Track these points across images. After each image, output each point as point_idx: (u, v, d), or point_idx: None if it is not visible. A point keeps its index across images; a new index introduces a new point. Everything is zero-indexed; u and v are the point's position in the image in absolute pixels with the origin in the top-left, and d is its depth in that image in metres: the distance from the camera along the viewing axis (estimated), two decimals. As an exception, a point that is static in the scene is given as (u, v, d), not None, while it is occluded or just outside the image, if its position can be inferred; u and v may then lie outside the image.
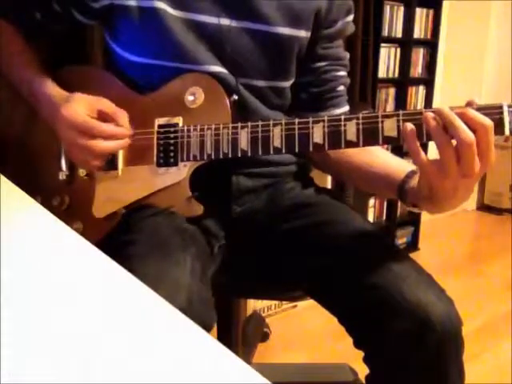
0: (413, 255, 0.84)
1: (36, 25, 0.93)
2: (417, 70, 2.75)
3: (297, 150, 0.81)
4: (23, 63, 0.93)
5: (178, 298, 0.69)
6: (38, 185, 0.92)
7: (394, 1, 2.54)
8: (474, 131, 0.67)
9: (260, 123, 0.82)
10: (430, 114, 0.70)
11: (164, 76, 0.89)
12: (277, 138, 0.81)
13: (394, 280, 0.77)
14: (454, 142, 0.69)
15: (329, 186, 1.63)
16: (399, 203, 2.78)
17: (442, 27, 2.89)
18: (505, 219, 3.37)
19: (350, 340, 0.82)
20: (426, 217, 2.96)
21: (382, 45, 2.48)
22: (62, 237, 0.57)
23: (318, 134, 0.79)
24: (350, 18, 0.99)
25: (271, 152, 0.81)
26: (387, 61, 2.60)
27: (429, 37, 2.75)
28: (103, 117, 0.84)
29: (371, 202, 2.67)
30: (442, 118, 0.69)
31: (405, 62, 2.63)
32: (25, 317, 0.40)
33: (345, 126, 0.77)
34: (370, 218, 2.66)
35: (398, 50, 2.63)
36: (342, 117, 0.78)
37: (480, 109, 0.69)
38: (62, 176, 0.93)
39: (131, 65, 0.91)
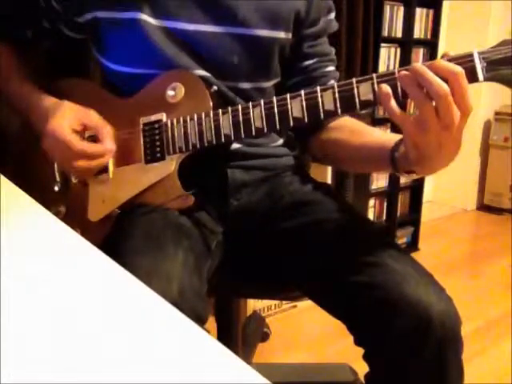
0: (413, 255, 0.84)
1: (29, 42, 0.97)
2: (417, 70, 2.75)
3: (278, 128, 0.82)
4: (16, 78, 0.95)
5: (170, 290, 0.70)
6: (35, 197, 0.94)
7: (394, 1, 2.54)
8: (445, 81, 0.68)
9: (240, 107, 0.84)
10: (403, 72, 0.71)
11: None
12: (257, 118, 0.83)
13: (395, 278, 0.77)
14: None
15: (329, 181, 1.64)
16: (399, 203, 2.79)
17: (442, 27, 2.89)
18: (505, 219, 3.37)
19: (349, 340, 0.82)
20: (425, 217, 2.97)
21: (382, 45, 2.48)
22: (61, 237, 0.57)
23: (296, 109, 0.80)
24: (332, 15, 1.02)
25: (253, 133, 0.83)
26: (387, 61, 2.60)
27: (429, 37, 2.75)
28: (87, 129, 0.86)
29: (371, 202, 2.67)
30: (415, 74, 0.70)
31: (405, 62, 2.63)
32: (25, 317, 0.40)
33: (321, 96, 0.79)
34: (370, 218, 2.65)
35: (398, 49, 2.63)
36: (318, 88, 0.79)
37: (452, 59, 0.71)
38: (57, 186, 0.95)
39: (117, 75, 0.94)
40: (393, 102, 0.71)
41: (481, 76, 0.71)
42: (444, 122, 0.69)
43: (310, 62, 1.00)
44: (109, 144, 0.87)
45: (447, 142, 0.72)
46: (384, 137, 0.89)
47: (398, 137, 0.84)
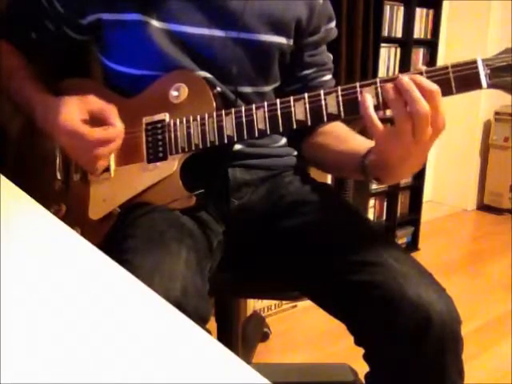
0: (413, 255, 0.84)
1: (33, 43, 0.98)
2: (417, 70, 2.75)
3: (281, 130, 0.83)
4: (22, 77, 0.96)
5: (173, 289, 0.70)
6: (35, 196, 0.94)
7: (394, 1, 2.54)
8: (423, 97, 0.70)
9: (243, 108, 0.84)
10: (388, 85, 0.73)
11: None
12: (260, 120, 0.83)
13: (395, 278, 0.77)
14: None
15: (329, 181, 1.63)
16: (399, 203, 2.79)
17: (442, 27, 2.89)
18: (505, 219, 3.37)
19: (350, 340, 0.82)
20: (425, 217, 2.97)
21: (382, 45, 2.48)
22: (61, 237, 0.57)
23: (299, 111, 0.81)
24: (332, 24, 1.03)
25: (256, 134, 0.84)
26: (387, 61, 2.60)
27: (429, 37, 2.75)
28: (94, 116, 0.86)
29: (371, 202, 2.67)
30: (400, 89, 0.72)
31: (405, 62, 2.63)
32: (25, 317, 0.40)
33: (325, 100, 0.80)
34: (370, 218, 2.65)
35: (398, 49, 2.63)
36: (322, 91, 0.80)
37: (456, 66, 0.72)
38: (58, 184, 0.94)
39: (120, 76, 0.95)
40: (370, 111, 0.74)
41: (484, 83, 0.72)
42: (417, 137, 0.72)
43: (309, 71, 1.02)
44: (119, 124, 0.86)
45: (415, 154, 0.75)
46: (358, 144, 0.91)
47: (370, 144, 0.86)
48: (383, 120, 0.76)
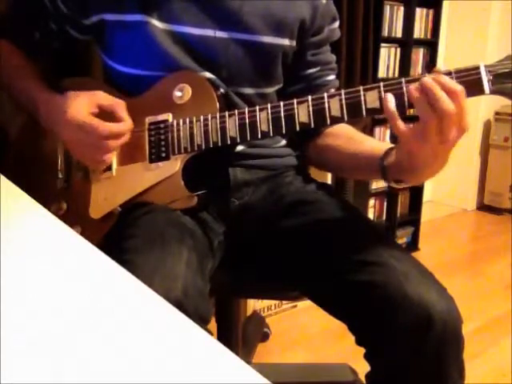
0: (413, 255, 0.84)
1: (36, 43, 0.98)
2: (417, 70, 2.75)
3: (284, 132, 0.83)
4: (24, 75, 0.96)
5: (174, 288, 0.70)
6: (35, 195, 0.94)
7: (394, 1, 2.54)
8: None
9: (246, 109, 0.84)
10: (413, 86, 0.73)
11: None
12: (264, 122, 0.83)
13: (396, 277, 0.77)
14: None
15: (329, 181, 1.63)
16: (399, 203, 2.79)
17: (442, 27, 2.89)
18: (505, 219, 3.37)
19: (350, 340, 0.82)
20: (425, 217, 2.97)
21: (382, 45, 2.48)
22: (61, 237, 0.57)
23: (303, 114, 0.81)
24: (336, 24, 1.03)
25: (259, 136, 0.84)
26: (387, 61, 2.60)
27: (429, 37, 2.75)
28: (103, 110, 0.86)
29: (371, 202, 2.67)
30: (425, 89, 0.72)
31: (405, 62, 2.63)
32: (25, 317, 0.40)
33: (328, 103, 0.80)
34: (370, 218, 2.65)
35: (398, 49, 2.63)
36: (325, 94, 0.80)
37: (458, 71, 0.73)
38: (59, 183, 0.94)
39: (123, 76, 0.95)
40: (394, 111, 0.74)
41: (487, 89, 0.72)
42: (443, 136, 0.72)
43: (313, 70, 1.02)
44: (128, 119, 0.87)
45: (440, 154, 0.75)
46: (375, 145, 0.91)
47: (388, 145, 0.86)
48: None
